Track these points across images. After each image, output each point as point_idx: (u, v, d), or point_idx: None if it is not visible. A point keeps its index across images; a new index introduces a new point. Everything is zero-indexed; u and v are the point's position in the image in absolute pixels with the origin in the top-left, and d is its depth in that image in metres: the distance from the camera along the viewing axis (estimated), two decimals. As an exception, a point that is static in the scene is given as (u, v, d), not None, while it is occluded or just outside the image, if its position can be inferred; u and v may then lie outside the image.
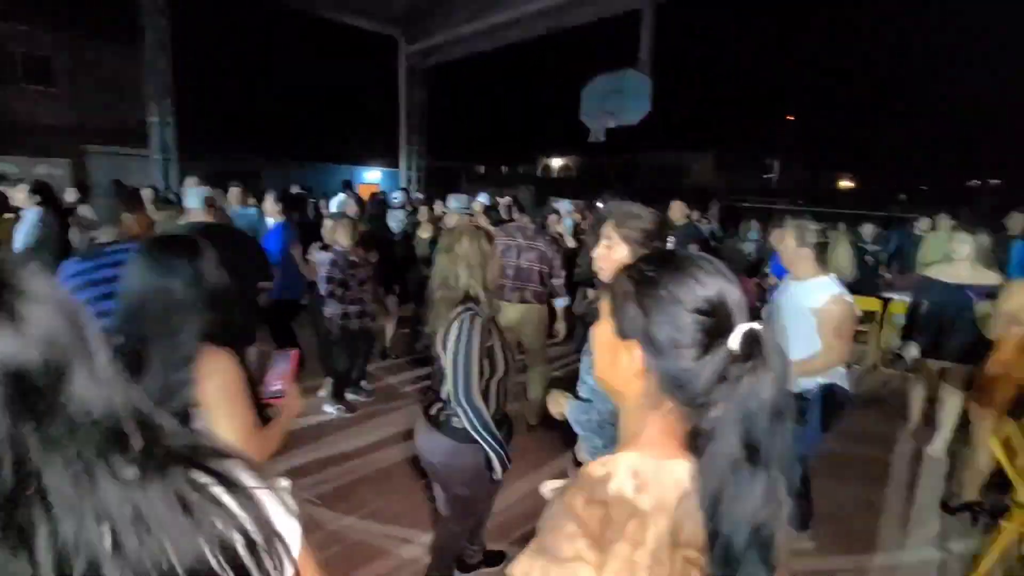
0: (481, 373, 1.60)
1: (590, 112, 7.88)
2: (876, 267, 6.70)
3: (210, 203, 2.84)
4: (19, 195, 4.01)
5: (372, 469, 3.03)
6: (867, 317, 5.35)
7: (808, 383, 2.24)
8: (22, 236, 3.71)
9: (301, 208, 5.45)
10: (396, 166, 13.01)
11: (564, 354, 5.23)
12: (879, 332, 5.32)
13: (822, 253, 2.33)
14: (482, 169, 43.14)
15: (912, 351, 3.40)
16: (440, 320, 1.65)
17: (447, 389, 1.63)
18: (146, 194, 4.71)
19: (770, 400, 0.59)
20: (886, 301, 5.29)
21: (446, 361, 1.60)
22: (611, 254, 1.46)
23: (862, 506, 2.88)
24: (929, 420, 3.70)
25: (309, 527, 0.60)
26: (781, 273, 4.14)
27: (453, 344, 1.58)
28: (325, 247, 3.74)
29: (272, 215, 3.80)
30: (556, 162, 42.10)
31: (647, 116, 7.36)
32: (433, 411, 1.72)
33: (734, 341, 0.60)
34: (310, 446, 3.21)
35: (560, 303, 3.67)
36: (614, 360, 0.69)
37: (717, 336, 0.62)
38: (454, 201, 3.65)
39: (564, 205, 6.46)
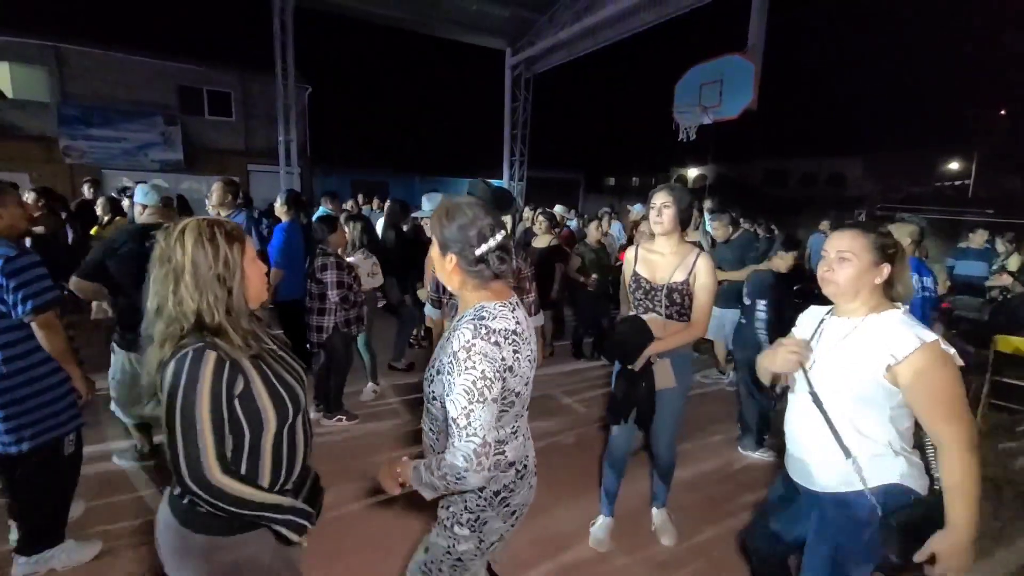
0: (223, 434, 1.07)
1: (683, 108, 7.04)
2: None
3: (165, 203, 2.84)
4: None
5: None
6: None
7: (851, 484, 1.35)
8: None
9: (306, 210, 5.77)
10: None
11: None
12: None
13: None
14: (612, 180, 42.07)
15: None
16: (153, 365, 1.07)
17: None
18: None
19: None
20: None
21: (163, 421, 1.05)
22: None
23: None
24: None
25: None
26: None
27: (166, 398, 1.03)
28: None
29: (281, 215, 3.86)
30: (691, 172, 39.37)
31: (751, 107, 6.32)
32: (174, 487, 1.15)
33: None
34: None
35: (536, 322, 2.86)
36: None
37: None
38: (427, 203, 3.08)
39: (557, 210, 6.14)
